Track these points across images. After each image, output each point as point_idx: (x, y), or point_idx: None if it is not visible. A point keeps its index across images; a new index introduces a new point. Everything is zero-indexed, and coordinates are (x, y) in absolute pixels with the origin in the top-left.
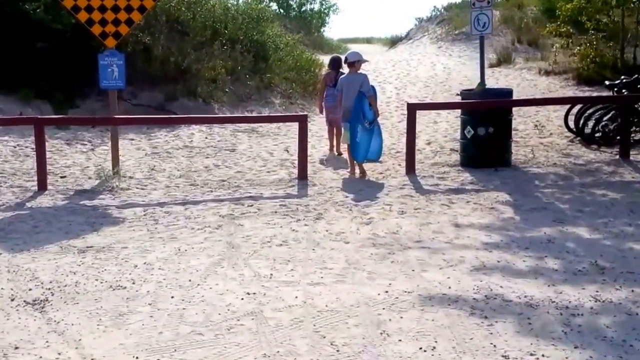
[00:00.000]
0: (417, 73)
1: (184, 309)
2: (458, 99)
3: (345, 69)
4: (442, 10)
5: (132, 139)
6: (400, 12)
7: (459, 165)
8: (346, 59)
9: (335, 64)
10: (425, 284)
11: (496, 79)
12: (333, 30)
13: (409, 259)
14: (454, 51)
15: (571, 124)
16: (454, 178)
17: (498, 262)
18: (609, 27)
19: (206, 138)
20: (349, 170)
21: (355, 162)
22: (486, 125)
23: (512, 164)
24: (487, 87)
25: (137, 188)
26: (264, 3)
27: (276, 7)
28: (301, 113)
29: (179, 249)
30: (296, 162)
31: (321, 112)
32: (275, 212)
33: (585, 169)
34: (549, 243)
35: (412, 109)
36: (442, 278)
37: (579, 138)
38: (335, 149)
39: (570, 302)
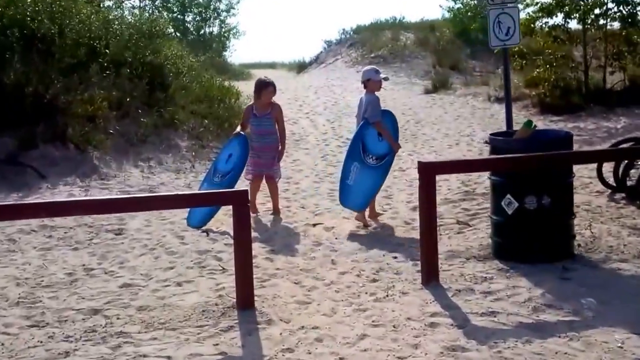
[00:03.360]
0: (346, 102)
1: None
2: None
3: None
4: (351, 32)
5: None
6: (304, 36)
7: (493, 258)
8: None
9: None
10: None
11: (442, 108)
12: (234, 55)
13: None
14: None
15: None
16: (509, 292)
17: None
18: (568, 46)
19: None
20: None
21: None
22: (539, 193)
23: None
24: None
25: None
26: (156, 16)
27: (172, 30)
28: (239, 188)
29: None
30: (224, 254)
31: None
32: None
33: None
34: None
35: (429, 172)
36: None
37: (621, 195)
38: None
39: None
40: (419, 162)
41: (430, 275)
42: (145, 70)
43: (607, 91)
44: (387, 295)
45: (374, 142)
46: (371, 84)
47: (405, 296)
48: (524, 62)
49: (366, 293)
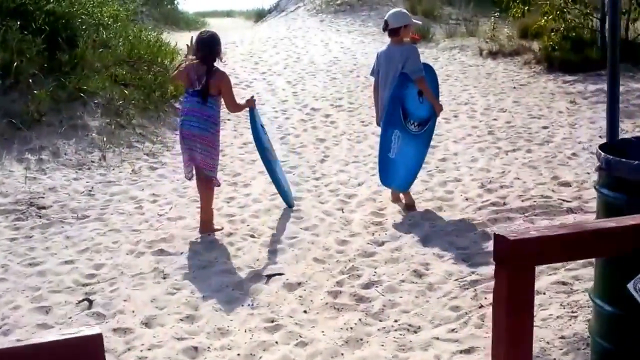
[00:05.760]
0: (310, 57)
1: None
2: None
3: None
4: None
5: None
6: None
7: None
8: (386, 23)
9: (206, 47)
10: None
11: None
12: (188, 3)
13: None
14: (341, 25)
15: None
16: None
17: None
18: None
19: None
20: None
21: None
22: None
23: None
24: None
25: None
26: None
27: None
28: (88, 331)
29: None
30: None
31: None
32: None
33: None
34: None
35: (527, 261)
36: None
37: None
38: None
39: None
40: (500, 237)
41: None
42: (45, 23)
43: (630, 44)
44: None
45: (415, 103)
46: (407, 31)
47: None
48: (527, 8)
49: None
